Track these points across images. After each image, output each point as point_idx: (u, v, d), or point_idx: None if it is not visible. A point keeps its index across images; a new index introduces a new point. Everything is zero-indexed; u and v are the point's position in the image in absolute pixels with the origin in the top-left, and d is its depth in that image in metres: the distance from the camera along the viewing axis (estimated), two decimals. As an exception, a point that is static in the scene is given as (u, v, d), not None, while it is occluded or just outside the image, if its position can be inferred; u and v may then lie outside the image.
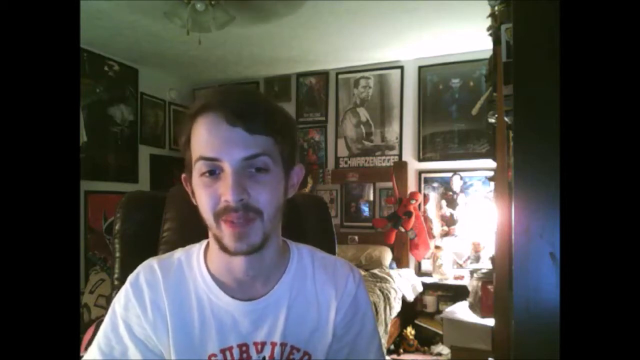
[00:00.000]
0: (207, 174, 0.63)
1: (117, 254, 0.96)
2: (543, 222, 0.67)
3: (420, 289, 3.53)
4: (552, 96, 0.62)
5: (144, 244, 0.95)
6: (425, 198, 3.77)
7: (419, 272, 3.76)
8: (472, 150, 3.63)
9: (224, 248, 0.65)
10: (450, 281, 3.43)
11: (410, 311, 3.45)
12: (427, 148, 3.83)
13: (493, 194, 2.46)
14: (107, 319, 0.71)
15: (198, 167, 0.64)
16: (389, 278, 3.26)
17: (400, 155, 3.92)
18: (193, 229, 0.73)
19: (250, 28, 3.13)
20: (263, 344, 0.70)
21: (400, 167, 3.83)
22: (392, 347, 3.30)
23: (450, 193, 3.63)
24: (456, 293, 3.25)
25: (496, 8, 1.68)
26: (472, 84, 3.66)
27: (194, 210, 0.67)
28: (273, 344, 0.70)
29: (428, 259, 3.69)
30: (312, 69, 4.18)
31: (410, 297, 3.34)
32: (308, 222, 1.02)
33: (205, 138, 0.63)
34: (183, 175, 0.70)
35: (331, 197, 4.13)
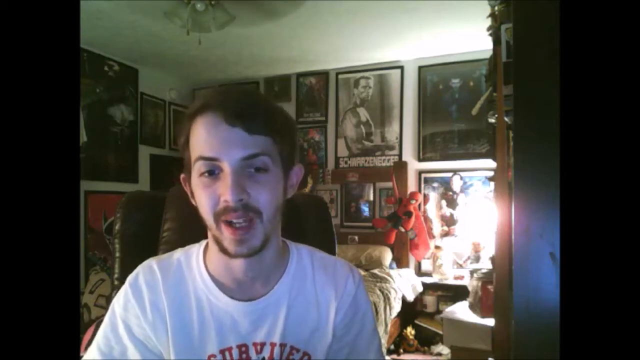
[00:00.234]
0: (206, 174, 0.63)
1: (117, 254, 0.96)
2: (543, 222, 0.67)
3: (420, 289, 3.53)
4: (552, 96, 0.62)
5: (144, 244, 0.95)
6: (425, 198, 3.77)
7: (419, 272, 3.76)
8: (472, 150, 3.63)
9: (224, 250, 0.65)
10: (450, 281, 3.43)
11: (410, 311, 3.45)
12: (427, 148, 3.83)
13: (493, 194, 2.46)
14: (106, 319, 0.70)
15: (197, 167, 0.64)
16: (389, 278, 3.26)
17: (400, 155, 3.92)
18: (193, 229, 0.73)
19: (250, 28, 3.13)
20: (262, 344, 0.70)
21: (400, 167, 3.83)
22: (392, 347, 3.30)
23: (450, 193, 3.63)
24: (456, 293, 3.25)
25: (496, 8, 1.68)
26: (472, 84, 3.66)
27: (194, 210, 0.67)
28: (272, 345, 0.70)
29: (428, 259, 3.69)
30: (312, 69, 4.18)
31: (410, 297, 3.34)
32: (308, 222, 1.02)
33: (204, 138, 0.63)
34: (182, 176, 0.70)
35: (331, 197, 4.13)
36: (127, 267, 0.78)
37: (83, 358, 0.69)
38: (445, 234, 3.62)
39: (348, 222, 4.09)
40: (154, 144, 4.23)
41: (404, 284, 3.34)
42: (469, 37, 3.30)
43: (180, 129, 0.67)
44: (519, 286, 0.70)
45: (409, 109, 3.92)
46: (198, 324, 0.69)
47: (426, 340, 3.35)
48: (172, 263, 0.73)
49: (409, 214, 3.57)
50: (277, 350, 0.70)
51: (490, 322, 2.24)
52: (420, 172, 3.83)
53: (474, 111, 2.22)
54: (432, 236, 3.68)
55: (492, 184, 2.54)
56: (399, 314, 3.18)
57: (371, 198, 4.04)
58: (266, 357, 0.70)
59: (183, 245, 0.78)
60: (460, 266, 3.51)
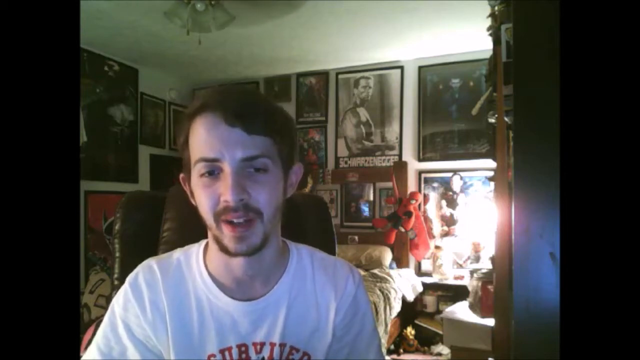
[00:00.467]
0: (206, 175, 0.63)
1: (117, 254, 0.96)
2: (543, 222, 0.67)
3: (420, 289, 3.53)
4: (552, 96, 0.62)
5: (144, 244, 0.95)
6: (425, 198, 3.77)
7: (419, 272, 3.76)
8: (472, 150, 3.63)
9: (223, 249, 0.65)
10: (450, 281, 3.43)
11: (410, 311, 3.45)
12: (427, 148, 3.83)
13: (493, 194, 2.46)
14: (106, 319, 0.70)
15: (197, 169, 0.64)
16: (389, 278, 3.26)
17: (400, 155, 3.92)
18: (193, 229, 0.73)
19: (250, 28, 3.13)
20: (262, 344, 0.70)
21: (400, 167, 3.83)
22: (392, 347, 3.30)
23: (450, 193, 3.63)
24: (456, 293, 3.25)
25: (496, 8, 1.68)
26: (472, 84, 3.66)
27: (194, 210, 0.67)
28: (272, 345, 0.70)
29: (428, 259, 3.69)
30: (312, 69, 4.18)
31: (410, 297, 3.34)
32: (308, 222, 1.02)
33: (204, 138, 0.63)
34: (181, 175, 0.70)
35: (331, 197, 4.13)
36: (127, 267, 0.78)
37: (83, 358, 0.69)
38: (445, 234, 3.62)
39: (348, 222, 4.09)
40: (154, 144, 4.23)
41: (404, 284, 3.34)
42: (469, 37, 3.30)
43: (179, 129, 0.67)
44: (519, 286, 0.70)
45: (409, 109, 3.92)
46: (198, 323, 0.69)
47: (426, 340, 3.35)
48: (172, 263, 0.73)
49: (409, 214, 3.57)
50: (276, 350, 0.70)
51: (490, 322, 2.24)
52: (420, 172, 3.83)
53: (474, 111, 2.22)
54: (432, 236, 3.68)
55: (492, 184, 2.54)
56: (399, 314, 3.18)
57: (371, 198, 4.04)
58: (266, 357, 0.70)
59: (183, 245, 0.78)
60: (460, 266, 3.51)
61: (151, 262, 0.73)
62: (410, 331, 3.37)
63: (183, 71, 4.24)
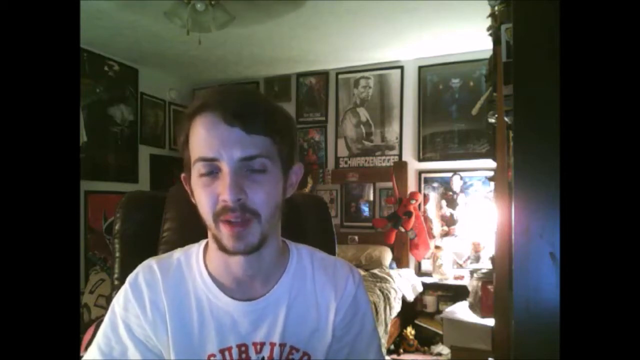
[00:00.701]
0: (205, 174, 0.63)
1: (117, 254, 0.96)
2: (543, 222, 0.67)
3: (420, 289, 3.53)
4: (552, 96, 0.62)
5: (144, 244, 0.95)
6: (425, 198, 3.77)
7: (419, 272, 3.76)
8: (472, 150, 3.63)
9: (222, 248, 0.65)
10: (450, 281, 3.43)
11: (410, 311, 3.45)
12: (427, 148, 3.83)
13: (493, 194, 2.46)
14: (106, 319, 0.70)
15: (197, 168, 0.64)
16: (389, 278, 3.26)
17: (400, 155, 3.92)
18: (193, 229, 0.73)
19: (250, 28, 3.13)
20: (262, 344, 0.70)
21: (400, 167, 3.83)
22: (392, 347, 3.30)
23: (450, 193, 3.63)
24: (456, 293, 3.25)
25: (496, 8, 1.68)
26: (472, 84, 3.66)
27: (194, 210, 0.67)
28: (272, 344, 0.70)
29: (428, 259, 3.69)
30: (312, 69, 4.18)
31: (410, 297, 3.34)
32: (308, 222, 1.02)
33: (203, 138, 0.63)
34: (182, 175, 0.70)
35: (331, 197, 4.13)
36: (127, 267, 0.78)
37: (83, 358, 0.69)
38: (445, 234, 3.62)
39: (348, 222, 4.09)
40: (154, 144, 4.23)
41: (404, 284, 3.34)
42: (469, 37, 3.30)
43: (179, 129, 0.67)
44: (519, 286, 0.70)
45: (409, 109, 3.92)
46: (198, 323, 0.69)
47: (426, 340, 3.35)
48: (172, 263, 0.73)
49: (409, 214, 3.57)
50: (276, 350, 0.70)
51: (490, 322, 2.24)
52: (420, 172, 3.83)
53: (474, 111, 2.22)
54: (432, 236, 3.68)
55: (492, 184, 2.54)
56: (399, 314, 3.18)
57: (371, 198, 4.04)
58: (266, 357, 0.70)
59: (183, 245, 0.78)
60: (460, 266, 3.51)
61: (151, 262, 0.73)
62: (410, 331, 3.37)
63: (183, 71, 4.24)
